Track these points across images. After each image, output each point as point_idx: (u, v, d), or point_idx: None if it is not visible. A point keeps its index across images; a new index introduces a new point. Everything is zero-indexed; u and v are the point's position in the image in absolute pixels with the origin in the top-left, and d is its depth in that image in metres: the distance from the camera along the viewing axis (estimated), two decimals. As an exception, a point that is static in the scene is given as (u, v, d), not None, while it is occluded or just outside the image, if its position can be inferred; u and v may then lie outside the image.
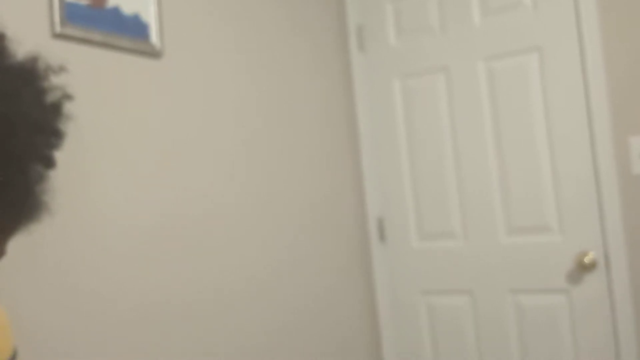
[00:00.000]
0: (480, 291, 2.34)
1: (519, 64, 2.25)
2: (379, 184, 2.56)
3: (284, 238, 2.21)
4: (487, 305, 2.32)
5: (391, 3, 2.53)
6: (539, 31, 2.21)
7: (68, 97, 0.69)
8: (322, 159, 2.43)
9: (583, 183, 2.14)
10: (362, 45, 2.59)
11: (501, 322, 2.30)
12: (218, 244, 1.95)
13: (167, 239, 1.79)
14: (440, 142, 2.41)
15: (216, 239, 1.95)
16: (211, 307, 1.91)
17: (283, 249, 2.20)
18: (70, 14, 1.59)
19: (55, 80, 0.69)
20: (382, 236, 2.55)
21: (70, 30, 1.58)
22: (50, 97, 0.67)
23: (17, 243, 1.39)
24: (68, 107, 0.70)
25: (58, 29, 1.55)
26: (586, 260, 2.09)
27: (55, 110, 0.67)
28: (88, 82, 1.63)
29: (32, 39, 1.52)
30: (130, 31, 1.73)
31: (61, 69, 0.70)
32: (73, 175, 1.57)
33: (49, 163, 0.66)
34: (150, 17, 1.79)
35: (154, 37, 1.80)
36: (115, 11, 1.70)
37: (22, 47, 0.72)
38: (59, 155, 0.71)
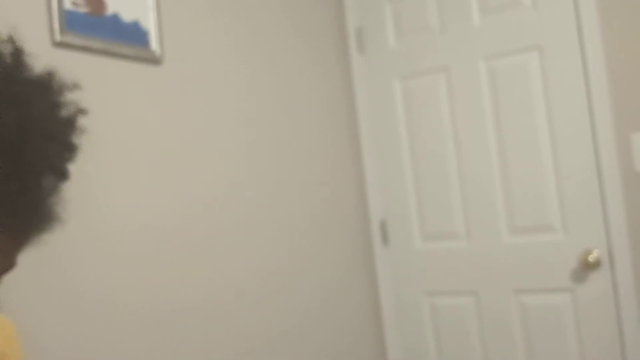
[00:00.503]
0: (484, 291, 2.33)
1: (520, 63, 2.25)
2: (381, 186, 2.56)
3: (287, 242, 2.21)
4: (491, 306, 2.32)
5: (390, 4, 2.53)
6: (539, 29, 2.21)
7: (82, 112, 0.71)
8: (323, 162, 2.42)
9: (586, 181, 2.13)
10: (362, 47, 2.59)
11: (506, 322, 2.29)
12: (222, 249, 1.95)
13: (170, 245, 1.79)
14: (442, 142, 2.41)
15: (220, 244, 1.95)
16: (215, 310, 1.90)
17: (286, 253, 2.20)
18: (70, 22, 1.59)
19: (70, 95, 0.71)
20: (385, 237, 2.55)
21: (70, 39, 1.58)
22: (65, 111, 0.69)
23: (24, 250, 1.39)
24: (82, 122, 0.73)
25: (58, 37, 1.56)
26: (590, 258, 2.09)
27: (69, 123, 0.69)
28: (89, 89, 1.63)
29: (32, 47, 1.52)
30: (130, 38, 1.74)
31: (75, 86, 0.73)
32: (74, 181, 1.57)
33: (62, 175, 0.68)
34: (149, 23, 1.79)
35: (153, 43, 1.80)
36: (115, 18, 1.70)
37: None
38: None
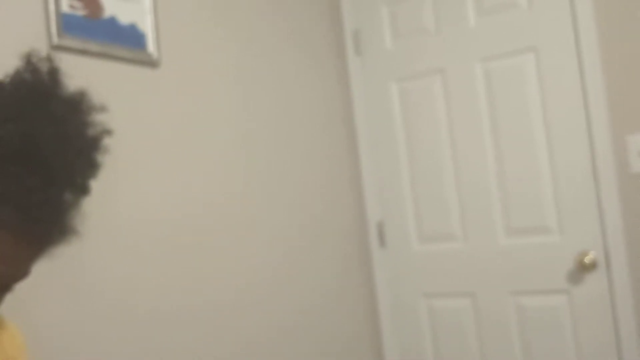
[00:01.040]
0: (481, 293, 2.34)
1: (516, 64, 2.26)
2: (378, 188, 2.57)
3: (284, 244, 2.21)
4: (489, 307, 2.32)
5: (387, 7, 2.53)
6: (535, 31, 2.21)
7: (108, 132, 0.75)
8: (321, 164, 2.43)
9: (582, 183, 2.14)
10: (359, 49, 2.59)
11: (503, 323, 2.30)
12: (220, 250, 1.96)
13: (169, 246, 1.80)
14: (439, 144, 2.42)
15: (218, 246, 1.95)
16: (214, 311, 1.91)
17: (284, 254, 2.20)
18: (67, 25, 1.59)
19: (97, 116, 0.74)
20: (382, 239, 2.56)
21: (67, 42, 1.58)
22: (92, 130, 0.72)
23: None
24: (107, 142, 0.76)
25: (55, 40, 1.56)
26: (586, 260, 2.09)
27: (96, 142, 0.72)
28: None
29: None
30: (127, 41, 1.74)
31: (103, 109, 0.76)
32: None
33: (84, 190, 0.71)
34: (146, 26, 1.80)
35: (150, 46, 1.80)
36: (112, 21, 1.70)
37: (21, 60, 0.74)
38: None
